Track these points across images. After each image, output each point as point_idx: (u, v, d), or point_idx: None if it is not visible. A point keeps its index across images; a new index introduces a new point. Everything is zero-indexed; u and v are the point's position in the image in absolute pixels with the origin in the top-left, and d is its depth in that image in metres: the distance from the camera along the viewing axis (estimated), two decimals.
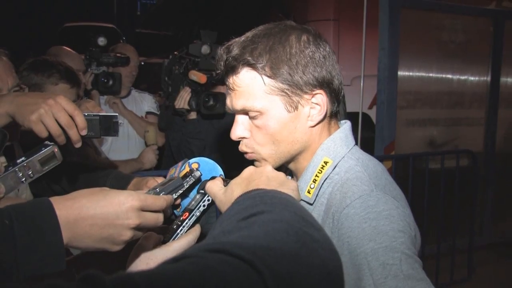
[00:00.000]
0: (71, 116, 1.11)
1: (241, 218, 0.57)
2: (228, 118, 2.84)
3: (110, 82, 2.93)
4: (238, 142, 1.10)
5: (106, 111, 1.27)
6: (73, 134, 1.11)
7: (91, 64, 2.95)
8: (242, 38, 1.04)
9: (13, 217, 0.71)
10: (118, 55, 3.04)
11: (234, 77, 1.03)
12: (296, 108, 1.03)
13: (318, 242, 0.52)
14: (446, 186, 3.73)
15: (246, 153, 1.10)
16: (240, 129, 1.07)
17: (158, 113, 3.28)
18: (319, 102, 1.03)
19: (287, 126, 1.03)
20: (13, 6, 14.50)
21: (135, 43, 3.44)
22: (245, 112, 1.05)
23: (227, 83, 1.06)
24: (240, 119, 1.08)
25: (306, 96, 1.03)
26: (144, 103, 3.29)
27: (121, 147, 3.03)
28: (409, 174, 3.50)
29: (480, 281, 3.80)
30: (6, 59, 1.42)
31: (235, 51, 1.02)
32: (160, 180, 1.29)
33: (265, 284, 0.43)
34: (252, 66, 1.00)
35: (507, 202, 4.55)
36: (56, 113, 1.09)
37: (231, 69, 1.03)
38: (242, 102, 1.03)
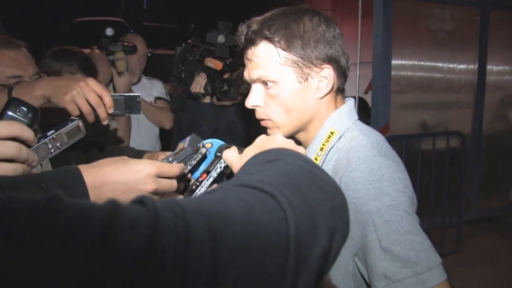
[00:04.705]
0: (99, 97, 1.16)
1: (260, 164, 0.62)
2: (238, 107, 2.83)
3: None
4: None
5: None
6: (102, 112, 1.16)
7: None
8: (261, 17, 1.08)
9: (47, 181, 0.76)
10: (125, 43, 3.00)
11: (252, 49, 1.07)
12: (306, 79, 1.06)
13: (326, 182, 0.57)
14: (437, 166, 3.76)
15: (262, 120, 1.13)
16: (254, 98, 1.11)
17: (166, 98, 3.28)
18: (326, 75, 1.07)
19: (298, 96, 1.07)
20: (27, 5, 14.45)
21: (142, 36, 3.42)
22: (260, 81, 1.08)
23: (246, 55, 1.10)
24: (255, 89, 1.11)
25: (316, 69, 1.06)
26: (153, 89, 3.28)
27: (132, 130, 3.02)
28: (403, 154, 3.49)
29: (467, 253, 3.85)
30: (25, 50, 1.46)
31: (255, 26, 1.06)
32: (169, 154, 1.31)
33: (282, 209, 0.49)
34: (269, 39, 1.04)
35: (492, 180, 4.58)
36: (87, 93, 1.14)
37: (250, 42, 1.07)
38: (258, 72, 1.07)
